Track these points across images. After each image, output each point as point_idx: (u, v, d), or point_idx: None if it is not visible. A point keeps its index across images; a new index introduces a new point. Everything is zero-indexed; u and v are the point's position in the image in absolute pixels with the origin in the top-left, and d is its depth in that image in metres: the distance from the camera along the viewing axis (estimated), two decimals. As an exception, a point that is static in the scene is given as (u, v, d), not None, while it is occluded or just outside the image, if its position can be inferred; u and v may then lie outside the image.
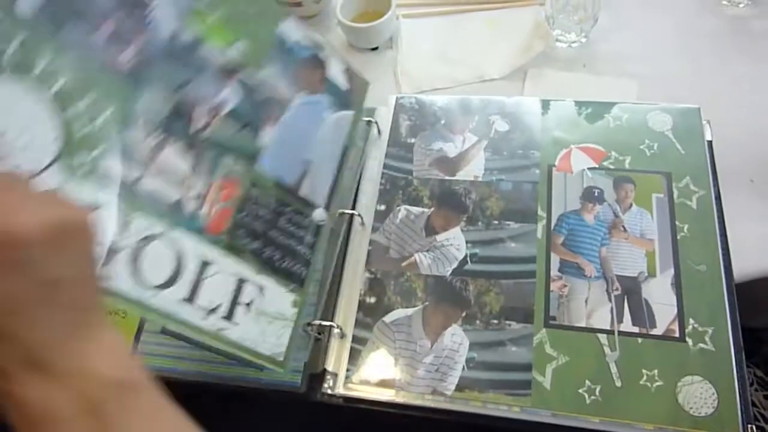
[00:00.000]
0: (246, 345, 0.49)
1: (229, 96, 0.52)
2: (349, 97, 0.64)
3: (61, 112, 0.40)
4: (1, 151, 0.37)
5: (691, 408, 0.49)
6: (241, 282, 0.49)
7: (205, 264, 0.47)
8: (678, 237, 0.56)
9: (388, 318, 0.56)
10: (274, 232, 0.53)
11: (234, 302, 0.49)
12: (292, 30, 0.59)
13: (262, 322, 0.50)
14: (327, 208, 0.59)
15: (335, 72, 0.63)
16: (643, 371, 0.51)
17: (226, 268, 0.49)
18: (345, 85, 0.64)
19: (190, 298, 0.46)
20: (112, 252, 0.41)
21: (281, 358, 0.51)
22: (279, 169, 0.55)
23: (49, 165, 0.39)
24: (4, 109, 0.38)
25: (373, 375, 0.54)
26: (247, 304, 0.49)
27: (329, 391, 0.55)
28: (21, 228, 0.28)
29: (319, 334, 0.57)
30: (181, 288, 0.45)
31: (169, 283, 0.44)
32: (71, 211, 0.31)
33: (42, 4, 0.40)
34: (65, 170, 0.39)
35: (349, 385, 0.54)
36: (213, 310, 0.47)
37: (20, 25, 0.39)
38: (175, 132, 0.47)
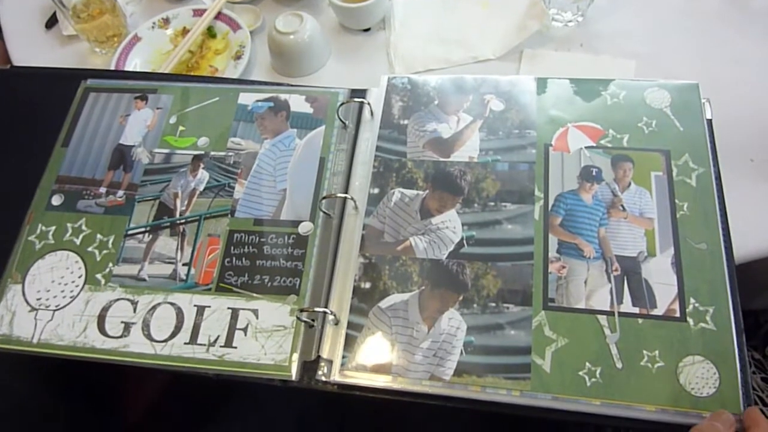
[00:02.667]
0: (249, 362, 0.55)
1: (201, 177, 0.66)
2: (317, 117, 0.68)
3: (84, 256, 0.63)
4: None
5: (692, 389, 0.48)
6: (235, 312, 0.57)
7: (200, 310, 0.58)
8: (678, 215, 0.55)
9: (384, 303, 0.55)
10: (260, 261, 0.60)
11: (231, 330, 0.56)
12: (249, 96, 0.70)
13: (261, 339, 0.56)
14: (312, 218, 0.61)
15: (297, 105, 0.69)
16: (644, 352, 0.50)
17: (220, 307, 0.58)
18: (309, 109, 0.68)
19: (192, 340, 0.56)
20: (128, 326, 0.58)
21: (286, 364, 0.54)
22: (254, 209, 0.63)
23: (80, 292, 0.60)
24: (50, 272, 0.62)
25: (370, 361, 0.53)
26: (244, 329, 0.56)
27: (324, 379, 0.53)
28: None
29: (313, 320, 0.56)
30: (184, 334, 0.57)
31: (174, 334, 0.57)
32: None
33: None
34: (90, 289, 0.60)
35: (345, 372, 0.53)
36: (213, 343, 0.56)
37: None
38: (162, 225, 0.63)
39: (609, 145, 0.60)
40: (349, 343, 0.54)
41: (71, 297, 0.60)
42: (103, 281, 0.61)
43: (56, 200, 0.66)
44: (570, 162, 0.59)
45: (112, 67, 0.82)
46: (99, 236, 0.63)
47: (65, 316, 0.59)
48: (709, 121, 0.61)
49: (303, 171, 0.64)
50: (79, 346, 0.58)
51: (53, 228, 0.64)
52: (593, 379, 0.49)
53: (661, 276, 0.53)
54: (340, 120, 0.66)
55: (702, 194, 0.56)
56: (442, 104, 0.66)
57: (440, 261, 0.56)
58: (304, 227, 0.61)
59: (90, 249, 0.63)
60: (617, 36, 0.79)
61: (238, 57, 0.81)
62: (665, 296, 0.52)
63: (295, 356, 0.54)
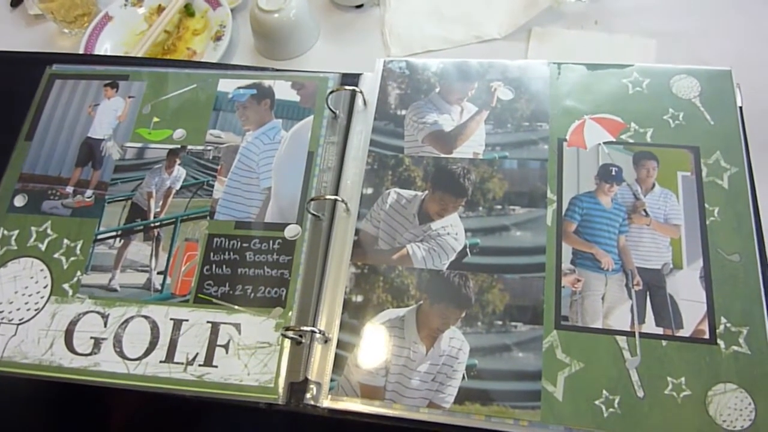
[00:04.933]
0: (231, 383, 0.50)
1: (177, 174, 0.60)
2: (304, 106, 0.62)
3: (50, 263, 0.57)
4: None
5: (724, 421, 0.44)
6: (215, 327, 0.53)
7: (177, 324, 0.53)
8: (707, 222, 0.50)
9: (378, 319, 0.50)
10: (242, 269, 0.55)
11: (211, 347, 0.52)
12: (229, 82, 0.64)
13: (244, 357, 0.51)
14: (299, 221, 0.56)
15: (282, 92, 0.63)
16: (669, 379, 0.45)
17: (198, 320, 0.53)
18: (296, 97, 0.63)
19: (168, 358, 0.52)
20: (98, 342, 0.53)
21: (272, 385, 0.50)
22: (236, 210, 0.58)
23: (45, 304, 0.56)
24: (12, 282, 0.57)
25: (361, 385, 0.48)
26: (225, 345, 0.52)
27: (312, 403, 0.49)
28: None
29: (301, 336, 0.51)
30: (160, 351, 0.52)
31: (148, 351, 0.52)
32: None
33: None
34: (57, 301, 0.56)
35: (334, 396, 0.48)
36: (191, 361, 0.52)
37: None
38: (135, 229, 0.58)
39: (630, 140, 0.54)
40: (339, 364, 0.49)
41: (36, 309, 0.55)
42: (70, 292, 0.56)
43: (19, 201, 0.61)
44: (587, 159, 0.54)
45: (81, 50, 0.76)
46: (66, 241, 0.58)
47: (30, 330, 0.54)
48: (740, 109, 0.55)
49: (289, 167, 0.59)
50: (45, 365, 0.53)
51: (16, 232, 0.59)
52: (611, 410, 0.45)
53: (688, 292, 0.48)
54: (330, 109, 0.60)
55: (735, 198, 0.51)
56: (444, 92, 0.59)
57: (440, 272, 0.51)
58: (291, 231, 0.55)
59: (56, 255, 0.57)
60: (636, 12, 0.74)
61: (218, 38, 0.75)
62: (693, 315, 0.47)
63: (282, 377, 0.50)
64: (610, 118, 0.55)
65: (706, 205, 0.51)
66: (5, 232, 0.59)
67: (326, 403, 0.49)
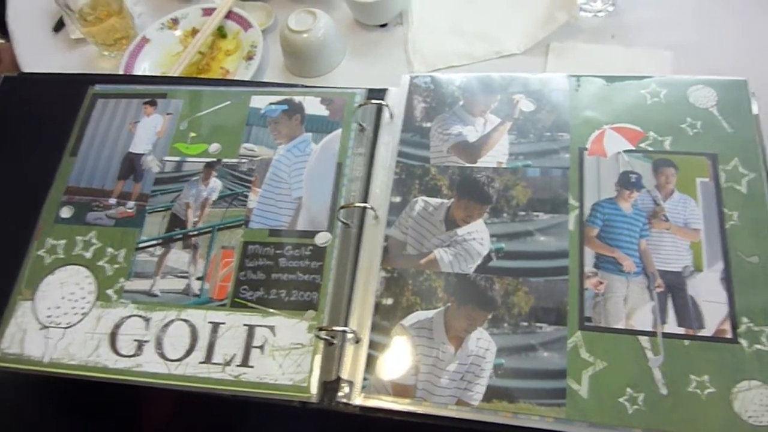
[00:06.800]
0: (266, 382, 0.52)
1: (213, 186, 0.63)
2: (333, 120, 0.64)
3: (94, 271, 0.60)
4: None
5: (750, 417, 0.44)
6: (251, 329, 0.55)
7: (215, 327, 0.56)
8: (727, 226, 0.51)
9: (407, 321, 0.52)
10: (276, 274, 0.57)
11: (247, 348, 0.54)
12: (261, 99, 0.67)
13: (278, 358, 0.53)
14: (330, 229, 0.58)
15: (312, 107, 0.66)
16: (692, 377, 0.46)
17: (235, 323, 0.55)
18: (324, 111, 0.65)
19: (207, 359, 0.54)
20: (141, 344, 0.56)
21: (305, 384, 0.52)
22: (269, 219, 0.60)
23: (91, 308, 0.58)
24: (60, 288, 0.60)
25: (392, 384, 0.50)
26: (260, 347, 0.54)
27: (345, 401, 0.51)
28: None
29: (333, 338, 0.53)
30: (199, 353, 0.55)
31: (188, 353, 0.55)
32: None
33: None
34: (102, 306, 0.58)
35: (366, 395, 0.50)
36: (229, 362, 0.54)
37: None
38: (174, 237, 0.61)
39: (650, 148, 0.56)
40: (371, 363, 0.51)
41: (82, 314, 0.58)
42: (114, 297, 0.58)
43: (65, 212, 0.64)
44: (607, 167, 0.55)
45: (121, 71, 0.79)
46: (110, 250, 0.61)
47: (76, 334, 0.57)
48: (756, 118, 0.56)
49: (319, 177, 0.61)
50: (90, 366, 0.55)
51: (63, 242, 0.62)
52: (635, 407, 0.46)
53: (709, 293, 0.49)
54: (358, 123, 0.63)
55: (754, 202, 0.52)
56: (468, 105, 0.62)
57: (467, 275, 0.53)
58: (321, 238, 0.58)
59: (101, 263, 0.60)
60: (652, 26, 0.74)
61: (249, 57, 0.78)
62: (714, 315, 0.48)
63: (315, 376, 0.52)
64: (630, 128, 0.57)
65: (725, 210, 0.52)
66: (53, 241, 0.62)
67: (359, 401, 0.50)
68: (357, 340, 0.52)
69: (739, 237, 0.50)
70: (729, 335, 0.47)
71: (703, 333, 0.48)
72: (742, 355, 0.46)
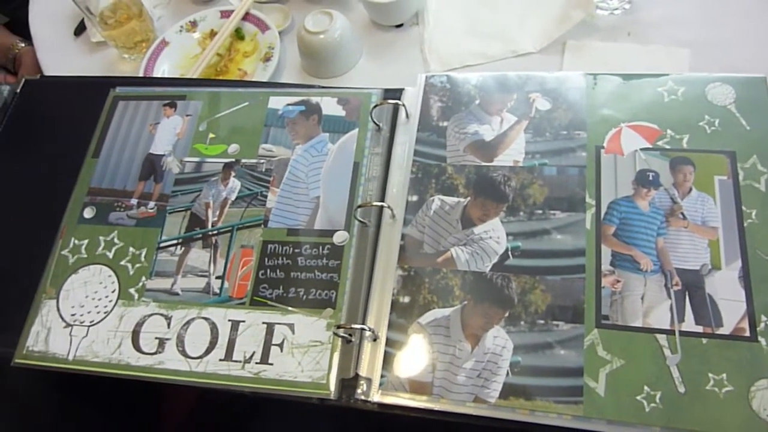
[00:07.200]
0: (286, 379, 0.53)
1: (232, 186, 0.64)
2: (350, 120, 0.65)
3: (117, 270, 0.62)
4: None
5: (768, 415, 0.44)
6: (270, 327, 0.55)
7: (235, 325, 0.56)
8: (745, 224, 0.51)
9: (424, 319, 0.53)
10: (294, 272, 0.58)
11: (267, 346, 0.55)
12: (279, 99, 0.68)
13: (297, 355, 0.54)
14: (347, 228, 0.59)
15: (329, 108, 0.66)
16: (710, 375, 0.46)
17: (255, 321, 0.56)
18: (341, 112, 0.66)
19: (227, 356, 0.55)
20: (162, 342, 0.57)
21: (324, 381, 0.52)
22: (288, 218, 0.61)
23: (114, 307, 0.60)
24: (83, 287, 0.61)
25: (410, 381, 0.50)
26: (280, 344, 0.54)
27: (363, 398, 0.51)
28: None
29: (351, 335, 0.53)
30: (219, 350, 0.55)
31: (209, 350, 0.56)
32: None
33: None
34: (124, 304, 0.60)
35: (384, 392, 0.51)
36: (249, 359, 0.54)
37: None
38: (194, 237, 0.62)
39: (667, 146, 0.55)
40: (388, 360, 0.52)
41: (105, 312, 0.59)
42: (136, 296, 0.60)
43: (88, 213, 0.65)
44: (624, 165, 0.55)
45: (141, 73, 0.81)
46: (131, 249, 0.62)
47: (100, 331, 0.58)
48: (774, 115, 0.56)
49: (336, 177, 0.62)
50: (114, 363, 0.57)
51: (86, 241, 0.63)
52: (653, 404, 0.46)
53: (727, 291, 0.49)
54: (374, 122, 0.64)
55: (773, 200, 0.51)
56: (484, 104, 0.62)
57: (483, 274, 0.53)
58: (339, 237, 0.58)
59: (123, 263, 0.62)
60: (668, 23, 0.74)
61: (267, 59, 0.79)
62: (732, 314, 0.48)
63: (333, 374, 0.52)
64: (647, 126, 0.57)
65: (744, 208, 0.51)
66: (76, 241, 0.64)
67: (376, 397, 0.51)
68: (374, 338, 0.53)
69: (757, 235, 0.50)
70: (747, 333, 0.47)
71: (721, 331, 0.47)
72: (761, 354, 0.46)
